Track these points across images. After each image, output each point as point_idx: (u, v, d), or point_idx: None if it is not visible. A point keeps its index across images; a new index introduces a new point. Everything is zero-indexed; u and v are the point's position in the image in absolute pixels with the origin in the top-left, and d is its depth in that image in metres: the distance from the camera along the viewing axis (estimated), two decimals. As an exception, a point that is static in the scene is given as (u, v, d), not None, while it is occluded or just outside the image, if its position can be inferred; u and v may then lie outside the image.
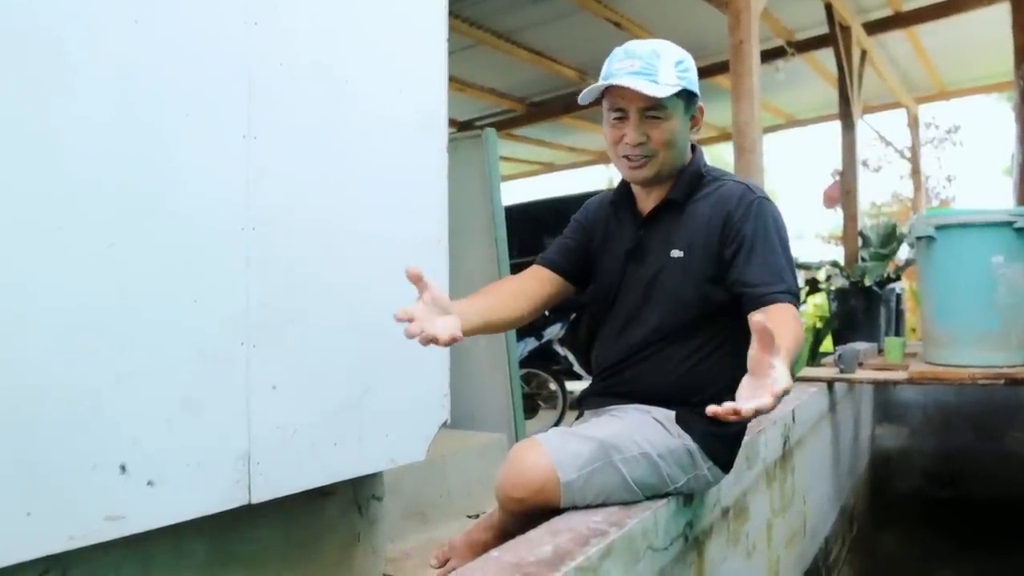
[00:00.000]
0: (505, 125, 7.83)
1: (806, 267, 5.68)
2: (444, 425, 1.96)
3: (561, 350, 5.05)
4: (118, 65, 1.32)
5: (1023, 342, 3.21)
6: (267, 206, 1.55)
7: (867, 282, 4.99)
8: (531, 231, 5.93)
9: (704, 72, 6.75)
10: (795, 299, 1.43)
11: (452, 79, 2.12)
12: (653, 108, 1.46)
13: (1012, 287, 3.19)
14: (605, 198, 1.71)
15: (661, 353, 1.53)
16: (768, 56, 6.20)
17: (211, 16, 1.47)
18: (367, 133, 1.79)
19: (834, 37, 5.72)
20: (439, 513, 2.51)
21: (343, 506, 1.92)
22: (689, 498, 1.59)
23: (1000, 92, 8.73)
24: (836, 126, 6.19)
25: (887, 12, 6.02)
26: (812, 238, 12.67)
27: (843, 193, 6.15)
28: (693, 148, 1.62)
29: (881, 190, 11.61)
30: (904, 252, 5.45)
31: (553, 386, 5.14)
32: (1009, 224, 3.17)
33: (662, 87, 1.43)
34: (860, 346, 3.85)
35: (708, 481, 1.55)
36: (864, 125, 7.85)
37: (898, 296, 5.17)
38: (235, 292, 1.49)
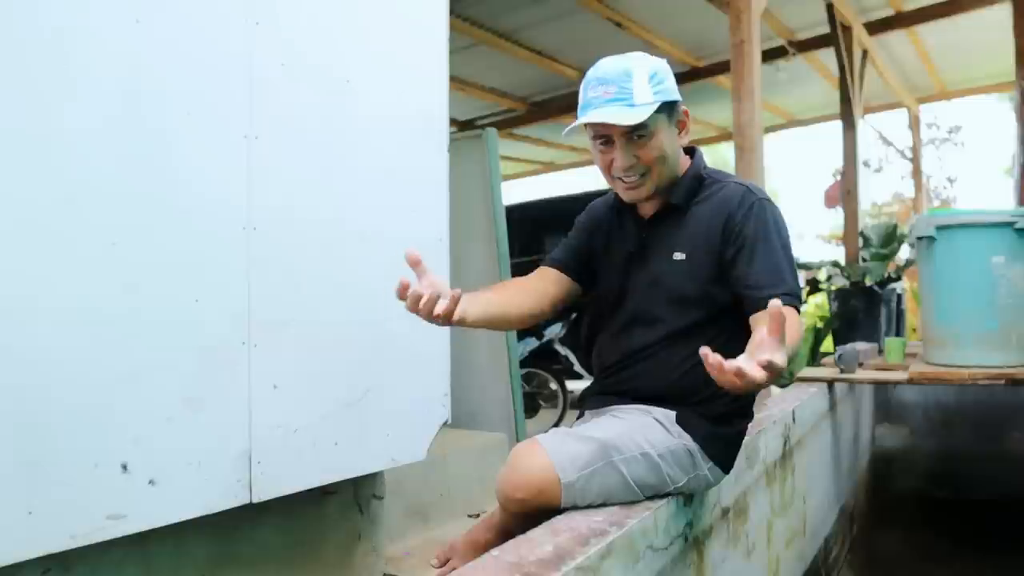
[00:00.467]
0: (506, 124, 7.84)
1: (807, 267, 5.69)
2: (445, 424, 1.96)
3: (562, 350, 5.06)
4: (120, 65, 1.32)
5: (1023, 342, 3.21)
6: (268, 206, 1.56)
7: (868, 282, 4.99)
8: (532, 231, 5.94)
9: (705, 72, 6.78)
10: (796, 300, 1.43)
11: (453, 78, 2.12)
12: (636, 130, 1.45)
13: (1012, 287, 3.19)
14: (608, 200, 1.71)
15: (662, 354, 1.54)
16: (769, 56, 6.21)
17: (213, 16, 1.47)
18: (368, 132, 1.79)
19: (835, 37, 5.72)
20: (440, 512, 2.51)
21: (344, 505, 1.92)
22: (689, 498, 1.60)
23: (1001, 92, 8.73)
24: (837, 126, 6.20)
25: (888, 12, 6.02)
26: (813, 238, 12.71)
27: (844, 193, 6.15)
28: (692, 151, 1.62)
29: (882, 190, 11.64)
30: (905, 252, 5.46)
31: (554, 385, 5.15)
32: (1009, 225, 3.17)
33: (639, 110, 1.41)
34: (860, 346, 3.84)
35: (708, 481, 1.56)
36: (865, 125, 7.86)
37: (899, 296, 5.17)
38: (236, 291, 1.50)
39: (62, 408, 1.23)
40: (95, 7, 1.29)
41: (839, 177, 7.54)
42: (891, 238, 5.32)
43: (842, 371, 3.51)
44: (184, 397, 1.40)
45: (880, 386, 4.65)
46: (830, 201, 8.61)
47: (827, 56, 6.16)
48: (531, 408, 4.92)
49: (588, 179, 12.30)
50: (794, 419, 2.72)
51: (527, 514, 1.40)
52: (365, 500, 1.97)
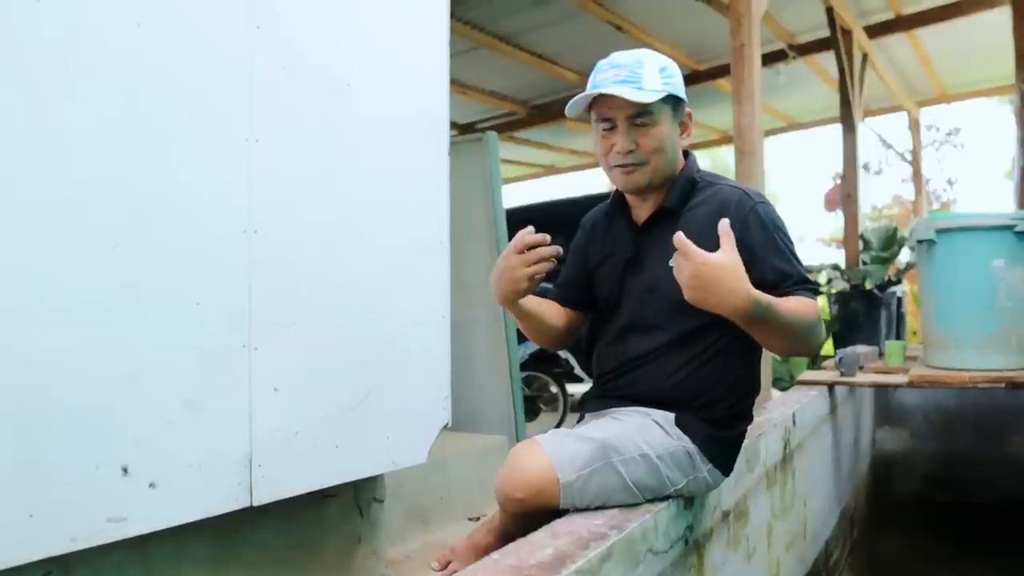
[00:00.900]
0: (506, 128, 7.84)
1: (807, 270, 5.67)
2: (445, 427, 1.96)
3: (562, 353, 5.05)
4: (121, 68, 1.32)
5: (1023, 346, 3.21)
6: (269, 208, 1.56)
7: (868, 285, 4.99)
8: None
9: (705, 75, 6.79)
10: (809, 286, 1.45)
11: (453, 82, 2.13)
12: (640, 115, 1.47)
13: (1012, 291, 3.19)
14: (600, 210, 1.72)
15: (661, 361, 1.53)
16: (769, 59, 6.22)
17: (213, 19, 1.47)
18: (369, 135, 1.80)
19: (835, 40, 5.72)
20: (440, 515, 2.50)
21: (344, 508, 1.92)
22: (689, 501, 1.59)
23: (1001, 95, 8.73)
24: (837, 129, 6.20)
25: (888, 15, 6.02)
26: (813, 241, 12.69)
27: (844, 196, 6.15)
28: (686, 155, 1.62)
29: (882, 193, 11.63)
30: (905, 255, 5.45)
31: (554, 389, 5.14)
32: (1009, 228, 3.17)
33: (647, 93, 1.45)
34: (861, 349, 3.84)
35: (708, 484, 1.56)
36: (865, 128, 7.86)
37: (899, 299, 5.16)
38: (237, 294, 1.50)
39: (63, 409, 1.23)
40: (97, 10, 1.29)
41: (839, 180, 7.55)
42: (891, 241, 5.32)
43: (842, 374, 3.51)
44: (184, 399, 1.40)
45: (881, 389, 4.65)
46: (830, 204, 8.61)
47: (827, 59, 6.16)
48: (531, 411, 4.91)
49: (589, 182, 12.32)
50: (794, 422, 2.72)
51: (527, 516, 1.40)
52: (365, 503, 1.97)
